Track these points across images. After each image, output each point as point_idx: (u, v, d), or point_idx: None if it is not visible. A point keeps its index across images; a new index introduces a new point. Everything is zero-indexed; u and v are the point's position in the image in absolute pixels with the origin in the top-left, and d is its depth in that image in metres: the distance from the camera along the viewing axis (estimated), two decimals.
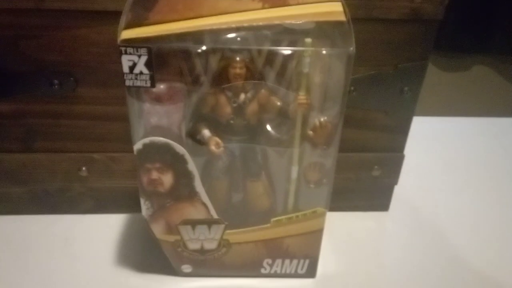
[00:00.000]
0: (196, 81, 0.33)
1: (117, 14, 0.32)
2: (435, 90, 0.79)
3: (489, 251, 0.46)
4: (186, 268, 0.40)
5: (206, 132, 0.35)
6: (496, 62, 0.78)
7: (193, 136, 0.35)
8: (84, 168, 0.44)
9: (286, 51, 0.31)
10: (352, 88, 0.41)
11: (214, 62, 0.32)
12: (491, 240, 0.48)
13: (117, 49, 0.30)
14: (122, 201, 0.47)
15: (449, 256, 0.45)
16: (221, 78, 0.33)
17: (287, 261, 0.39)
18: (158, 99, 0.33)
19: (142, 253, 0.44)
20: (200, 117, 0.35)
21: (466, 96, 0.82)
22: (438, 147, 0.64)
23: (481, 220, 0.50)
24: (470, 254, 0.46)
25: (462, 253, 0.46)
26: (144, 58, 0.29)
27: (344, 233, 0.47)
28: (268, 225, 0.37)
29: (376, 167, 0.47)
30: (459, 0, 0.66)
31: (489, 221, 0.50)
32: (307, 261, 0.40)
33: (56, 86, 0.40)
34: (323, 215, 0.37)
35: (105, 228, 0.46)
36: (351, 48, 0.30)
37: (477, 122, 0.71)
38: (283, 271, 0.40)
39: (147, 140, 0.33)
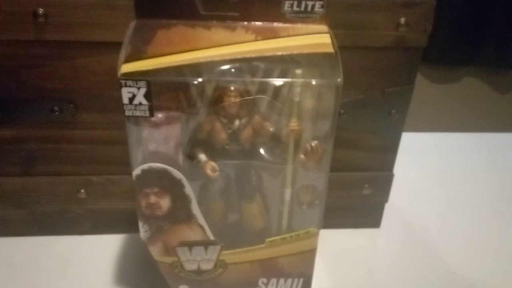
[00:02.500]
0: (192, 109, 0.34)
1: (115, 45, 0.33)
2: (425, 103, 0.81)
3: (481, 267, 0.47)
4: None
5: (202, 157, 0.36)
6: (486, 74, 0.80)
7: (191, 160, 0.37)
8: (82, 191, 0.46)
9: (278, 82, 0.32)
10: (342, 111, 0.43)
11: (209, 91, 0.34)
12: (483, 256, 0.49)
13: (117, 80, 0.31)
14: (120, 221, 0.48)
15: (440, 272, 0.46)
16: (216, 106, 0.34)
17: (281, 280, 0.41)
18: (156, 126, 0.35)
19: (140, 273, 0.44)
20: (197, 142, 0.37)
21: (457, 110, 0.83)
22: (428, 163, 0.66)
23: (473, 236, 0.52)
24: (462, 270, 0.47)
25: (453, 269, 0.47)
26: (143, 90, 0.30)
27: (336, 250, 0.49)
28: (263, 245, 0.38)
29: (366, 185, 0.48)
30: (448, 12, 0.68)
31: (481, 236, 0.52)
32: (301, 280, 0.41)
33: (56, 113, 0.41)
34: (316, 235, 0.38)
35: (103, 249, 0.47)
36: (339, 80, 0.31)
37: (467, 138, 0.73)
38: None
39: (145, 166, 0.34)
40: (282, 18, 0.34)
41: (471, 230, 0.53)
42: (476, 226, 0.53)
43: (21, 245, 0.47)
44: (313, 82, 0.32)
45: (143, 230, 0.38)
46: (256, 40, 0.33)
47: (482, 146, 0.70)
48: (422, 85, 0.80)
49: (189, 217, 0.37)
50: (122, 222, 0.48)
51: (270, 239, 0.38)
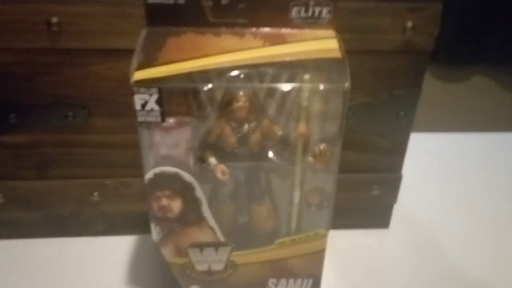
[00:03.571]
0: (202, 114, 0.35)
1: (127, 52, 0.34)
2: (434, 103, 0.80)
3: (490, 268, 0.47)
4: None
5: (212, 160, 0.37)
6: (495, 72, 0.80)
7: (201, 163, 0.38)
8: (96, 193, 0.47)
9: (286, 87, 0.33)
10: (350, 113, 0.43)
11: (219, 97, 0.34)
12: (492, 257, 0.49)
13: (129, 87, 0.32)
14: (132, 223, 0.49)
15: (448, 273, 0.47)
16: (225, 111, 0.35)
17: (291, 281, 0.41)
18: (167, 131, 0.35)
19: (152, 273, 0.45)
20: (207, 146, 0.37)
21: (465, 110, 0.83)
22: (437, 163, 0.66)
23: (481, 237, 0.52)
24: (470, 271, 0.47)
25: (462, 270, 0.47)
26: (155, 97, 0.31)
27: (345, 250, 0.49)
28: (273, 246, 0.39)
29: (375, 187, 0.48)
30: (455, 11, 0.68)
31: (489, 237, 0.51)
32: (310, 281, 0.41)
33: (70, 118, 0.42)
34: (324, 236, 0.39)
35: (116, 250, 0.48)
36: (347, 84, 0.32)
37: (476, 138, 0.73)
38: None
39: (157, 169, 0.35)
40: (289, 24, 0.34)
41: (479, 231, 0.53)
42: (485, 227, 0.53)
43: (36, 247, 0.48)
44: (321, 87, 0.33)
45: (155, 232, 0.38)
46: (264, 46, 0.34)
47: (492, 146, 0.70)
48: (430, 84, 0.80)
49: (200, 219, 0.38)
50: (135, 224, 0.49)
51: (279, 240, 0.39)
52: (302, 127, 0.35)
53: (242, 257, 0.39)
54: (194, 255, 0.39)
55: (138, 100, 0.31)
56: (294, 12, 0.34)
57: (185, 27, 0.34)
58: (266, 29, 0.35)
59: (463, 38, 0.73)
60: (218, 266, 0.40)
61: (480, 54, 0.76)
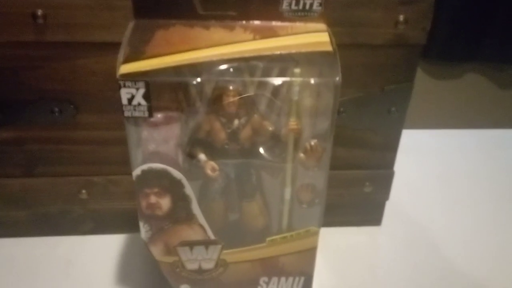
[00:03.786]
0: (191, 109, 0.34)
1: (114, 45, 0.33)
2: (427, 100, 0.80)
3: (482, 264, 0.47)
4: (185, 287, 0.41)
5: (202, 157, 0.37)
6: (488, 70, 0.80)
7: (190, 159, 0.37)
8: (84, 191, 0.46)
9: (276, 81, 0.32)
10: (341, 109, 0.43)
11: (208, 91, 0.34)
12: (484, 253, 0.49)
13: (116, 80, 0.31)
14: (121, 221, 0.48)
15: (442, 270, 0.46)
16: (215, 106, 0.34)
17: (282, 279, 0.41)
18: (155, 127, 0.35)
19: (142, 272, 0.45)
20: (196, 142, 0.37)
21: (458, 107, 0.83)
22: (429, 160, 0.66)
23: (474, 233, 0.52)
24: (463, 267, 0.47)
25: (455, 266, 0.47)
26: (142, 91, 0.31)
27: (337, 247, 0.49)
28: (264, 244, 0.38)
29: (367, 183, 0.48)
30: (449, 8, 0.68)
31: (482, 233, 0.52)
32: (302, 279, 0.41)
33: (56, 114, 0.41)
34: (316, 234, 0.38)
35: (105, 249, 0.48)
36: (337, 78, 0.31)
37: (468, 135, 0.73)
38: None
39: (145, 166, 0.35)
40: (280, 17, 0.34)
41: (472, 227, 0.53)
42: (477, 223, 0.53)
43: (24, 246, 0.47)
44: (312, 81, 0.32)
45: (144, 230, 0.38)
46: (254, 39, 0.33)
47: (484, 143, 0.70)
48: (424, 81, 0.80)
49: (189, 217, 0.37)
50: (124, 222, 0.48)
51: (270, 238, 0.38)
52: (293, 122, 0.35)
53: (232, 255, 0.39)
54: (184, 254, 0.39)
55: (124, 94, 0.31)
56: (284, 4, 0.33)
57: (173, 19, 0.33)
58: (257, 22, 0.34)
59: (456, 35, 0.73)
60: (208, 265, 0.39)
61: (472, 52, 0.76)
